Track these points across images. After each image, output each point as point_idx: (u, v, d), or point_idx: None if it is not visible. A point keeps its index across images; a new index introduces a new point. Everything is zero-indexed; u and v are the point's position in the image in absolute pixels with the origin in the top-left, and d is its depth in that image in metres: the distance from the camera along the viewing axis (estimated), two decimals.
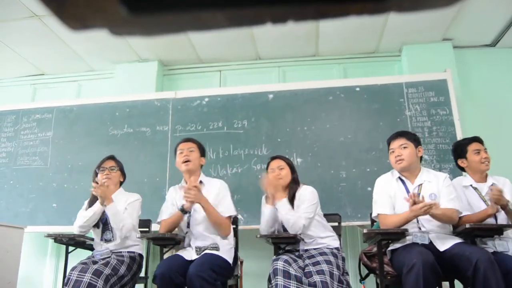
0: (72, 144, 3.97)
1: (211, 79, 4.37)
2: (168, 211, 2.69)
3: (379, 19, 3.60)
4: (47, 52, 4.18)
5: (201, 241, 2.55)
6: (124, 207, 2.73)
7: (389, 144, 2.66)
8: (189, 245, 2.58)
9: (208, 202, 2.51)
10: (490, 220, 2.51)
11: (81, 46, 4.09)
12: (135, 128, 3.89)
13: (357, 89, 3.71)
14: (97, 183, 2.68)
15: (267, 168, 2.76)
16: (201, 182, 2.71)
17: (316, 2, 0.24)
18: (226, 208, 2.61)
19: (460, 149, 2.79)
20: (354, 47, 4.11)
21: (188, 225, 2.60)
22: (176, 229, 2.69)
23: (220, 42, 4.01)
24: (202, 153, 2.80)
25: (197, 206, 2.59)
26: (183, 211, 2.56)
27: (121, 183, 2.92)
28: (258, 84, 3.99)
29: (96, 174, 2.83)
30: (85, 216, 2.69)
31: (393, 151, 2.59)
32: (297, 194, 2.60)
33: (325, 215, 2.75)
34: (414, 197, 2.27)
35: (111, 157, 2.91)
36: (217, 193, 2.65)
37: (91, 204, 2.75)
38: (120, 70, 4.39)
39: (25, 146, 4.08)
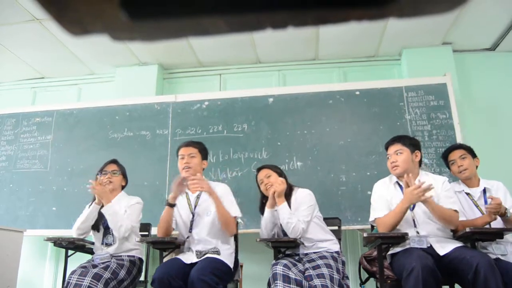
0: (72, 148, 3.96)
1: (211, 83, 4.38)
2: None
3: (379, 23, 3.61)
4: (47, 56, 4.18)
5: (202, 245, 2.54)
6: (124, 210, 2.72)
7: (386, 148, 2.67)
8: (189, 249, 2.57)
9: (216, 194, 2.50)
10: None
11: (81, 49, 4.09)
12: (135, 131, 3.89)
13: (357, 93, 3.71)
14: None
15: (256, 181, 2.77)
16: None
17: (316, 8, 0.24)
18: (231, 209, 2.59)
19: (443, 161, 2.85)
20: (354, 51, 4.11)
21: (190, 230, 2.59)
22: (177, 233, 2.68)
23: (220, 46, 4.02)
24: (204, 156, 2.75)
25: (200, 210, 2.60)
26: (170, 204, 2.55)
27: (123, 187, 2.91)
28: (258, 87, 3.99)
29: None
30: (81, 217, 2.68)
31: (389, 157, 2.60)
32: (293, 197, 2.60)
33: (325, 219, 2.74)
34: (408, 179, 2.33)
35: (114, 161, 2.89)
36: (221, 196, 2.61)
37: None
38: (120, 73, 4.39)
39: (25, 150, 4.07)
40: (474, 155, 2.74)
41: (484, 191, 2.64)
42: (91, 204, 2.74)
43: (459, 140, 3.41)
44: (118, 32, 0.26)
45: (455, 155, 2.73)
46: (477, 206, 2.57)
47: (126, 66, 4.37)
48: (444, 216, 2.32)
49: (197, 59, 4.25)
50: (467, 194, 2.65)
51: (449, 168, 2.80)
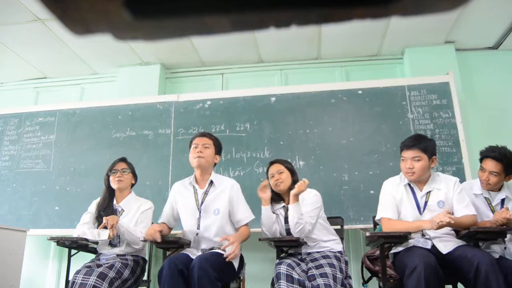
0: (75, 147, 3.97)
1: (214, 82, 4.38)
2: (165, 212, 2.71)
3: (382, 22, 3.60)
4: (50, 56, 4.19)
5: (208, 244, 2.55)
6: (136, 216, 2.73)
7: (401, 149, 2.52)
8: (196, 248, 2.57)
9: (240, 239, 2.49)
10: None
11: (83, 49, 4.10)
12: (138, 131, 3.90)
13: (360, 92, 3.70)
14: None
15: (267, 173, 2.76)
16: (211, 182, 2.66)
17: (319, 6, 0.24)
18: (244, 214, 2.60)
19: (479, 161, 2.67)
20: (356, 50, 4.10)
21: (198, 227, 2.59)
22: (179, 232, 2.69)
23: (222, 45, 4.01)
24: (218, 150, 2.70)
25: (207, 205, 2.59)
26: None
27: (132, 185, 2.92)
28: (261, 87, 3.99)
29: (108, 177, 2.83)
30: (93, 236, 2.67)
31: (404, 160, 2.47)
32: (300, 197, 2.59)
33: (328, 218, 2.74)
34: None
35: (123, 159, 2.90)
36: (231, 197, 2.60)
37: (100, 208, 2.77)
38: (123, 73, 4.40)
39: (28, 149, 4.09)
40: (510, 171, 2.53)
41: (503, 200, 2.56)
42: (100, 203, 2.78)
43: (462, 139, 3.40)
44: (121, 31, 0.26)
45: (485, 164, 2.54)
46: (493, 211, 2.52)
47: (128, 65, 4.37)
48: (464, 226, 2.31)
49: (200, 58, 4.25)
50: (486, 198, 2.60)
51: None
